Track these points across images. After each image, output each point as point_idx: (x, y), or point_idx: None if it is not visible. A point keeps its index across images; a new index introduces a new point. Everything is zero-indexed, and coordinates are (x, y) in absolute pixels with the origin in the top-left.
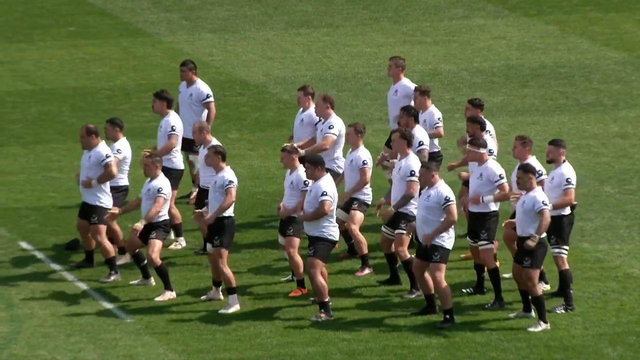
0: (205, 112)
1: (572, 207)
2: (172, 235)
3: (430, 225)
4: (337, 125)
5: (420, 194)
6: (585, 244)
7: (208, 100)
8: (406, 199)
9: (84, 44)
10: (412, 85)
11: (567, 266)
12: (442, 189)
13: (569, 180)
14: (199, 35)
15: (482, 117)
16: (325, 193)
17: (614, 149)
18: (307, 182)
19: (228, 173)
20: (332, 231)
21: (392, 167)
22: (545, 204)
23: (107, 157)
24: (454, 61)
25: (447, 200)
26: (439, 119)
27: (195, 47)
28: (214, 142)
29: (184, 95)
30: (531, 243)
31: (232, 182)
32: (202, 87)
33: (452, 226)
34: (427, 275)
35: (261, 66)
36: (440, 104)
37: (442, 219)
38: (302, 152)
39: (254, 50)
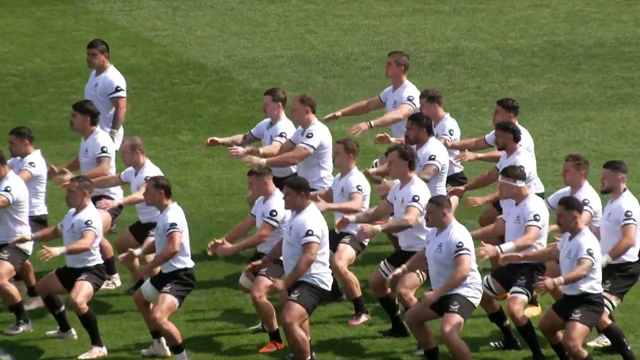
0: (113, 110)
1: None
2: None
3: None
4: (319, 135)
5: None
6: None
7: (117, 94)
8: (401, 225)
9: None
10: (416, 93)
11: (609, 322)
12: (456, 233)
13: (629, 214)
14: (138, 2)
15: (516, 124)
16: (310, 232)
17: None
18: (274, 212)
19: (172, 212)
20: (325, 277)
21: (385, 187)
22: (590, 254)
23: (5, 189)
24: (481, 37)
25: (460, 247)
26: (450, 130)
27: (134, 18)
28: (149, 167)
29: (89, 86)
30: (547, 283)
31: (175, 224)
32: (113, 76)
33: (478, 279)
34: (427, 326)
35: (222, 44)
36: (462, 94)
37: (453, 272)
38: (262, 161)
39: (213, 22)
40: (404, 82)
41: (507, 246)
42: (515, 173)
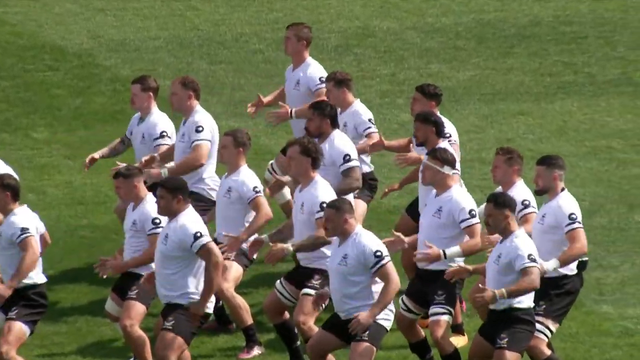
0: None
1: (582, 266)
2: None
3: (355, 299)
4: (207, 126)
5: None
6: (606, 305)
7: None
8: (316, 242)
9: None
10: (322, 71)
11: (548, 352)
12: (364, 239)
13: (573, 216)
14: None
15: (438, 114)
16: (199, 234)
17: None
18: (158, 220)
19: (20, 217)
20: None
21: (277, 186)
22: (533, 260)
23: None
24: (396, 15)
25: (379, 256)
26: (370, 120)
27: None
28: None
29: None
30: (486, 295)
31: (27, 229)
32: None
33: (392, 301)
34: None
35: (85, 23)
36: (374, 82)
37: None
38: (164, 171)
39: None
40: (306, 59)
41: (452, 250)
42: (444, 157)
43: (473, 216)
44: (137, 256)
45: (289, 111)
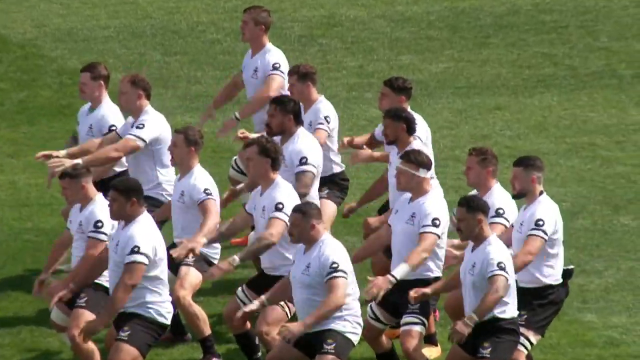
0: None
1: (567, 275)
2: None
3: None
4: (153, 126)
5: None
6: (590, 314)
7: None
8: (262, 245)
9: None
10: (280, 57)
11: None
12: (328, 249)
13: (540, 222)
14: None
15: (409, 110)
16: (137, 249)
17: (636, 152)
18: (100, 224)
19: None
20: (162, 307)
21: (232, 196)
22: (502, 268)
23: None
24: (364, 3)
25: (334, 268)
26: (326, 117)
27: None
28: None
29: None
30: (463, 327)
31: None
32: None
33: (357, 309)
34: None
35: (29, 11)
36: (341, 75)
37: (325, 298)
38: (77, 161)
39: None
40: (265, 44)
41: (400, 270)
42: (419, 159)
43: (435, 225)
44: (77, 271)
45: (234, 116)
